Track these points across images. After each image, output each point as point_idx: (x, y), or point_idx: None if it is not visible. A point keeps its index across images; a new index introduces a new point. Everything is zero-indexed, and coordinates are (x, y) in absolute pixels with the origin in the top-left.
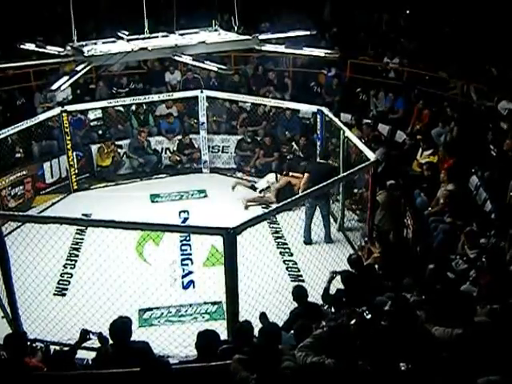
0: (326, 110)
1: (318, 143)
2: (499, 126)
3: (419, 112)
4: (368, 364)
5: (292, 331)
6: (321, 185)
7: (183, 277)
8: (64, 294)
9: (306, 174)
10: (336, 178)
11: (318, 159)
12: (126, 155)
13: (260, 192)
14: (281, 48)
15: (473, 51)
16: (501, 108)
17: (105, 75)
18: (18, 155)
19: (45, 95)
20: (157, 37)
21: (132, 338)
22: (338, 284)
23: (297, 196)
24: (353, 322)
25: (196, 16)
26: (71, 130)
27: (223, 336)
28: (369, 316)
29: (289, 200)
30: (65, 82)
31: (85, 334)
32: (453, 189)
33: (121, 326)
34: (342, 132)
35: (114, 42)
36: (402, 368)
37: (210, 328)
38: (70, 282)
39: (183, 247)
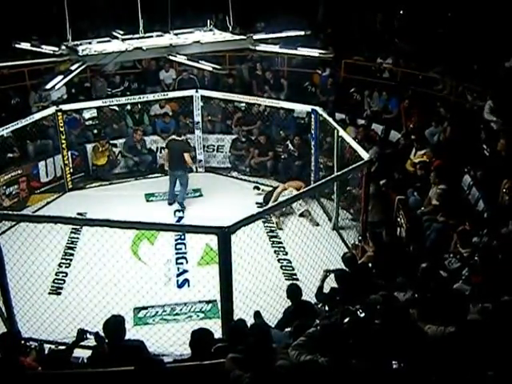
0: (320, 110)
1: (313, 142)
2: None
3: (406, 110)
4: (361, 362)
5: (286, 329)
6: (315, 184)
7: (178, 275)
8: (59, 293)
9: (167, 150)
10: (330, 177)
11: (174, 137)
12: (121, 154)
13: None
14: (275, 48)
15: (466, 51)
16: None
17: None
18: (10, 154)
19: (40, 94)
20: (151, 36)
21: (127, 337)
22: (331, 282)
23: (293, 195)
24: (346, 320)
25: (191, 16)
26: (66, 129)
27: (217, 334)
28: (362, 314)
29: (285, 199)
30: (59, 81)
31: (82, 334)
32: (445, 188)
33: (114, 324)
34: (336, 131)
35: (108, 41)
36: (394, 366)
37: (204, 326)
38: (65, 280)
39: (178, 246)
